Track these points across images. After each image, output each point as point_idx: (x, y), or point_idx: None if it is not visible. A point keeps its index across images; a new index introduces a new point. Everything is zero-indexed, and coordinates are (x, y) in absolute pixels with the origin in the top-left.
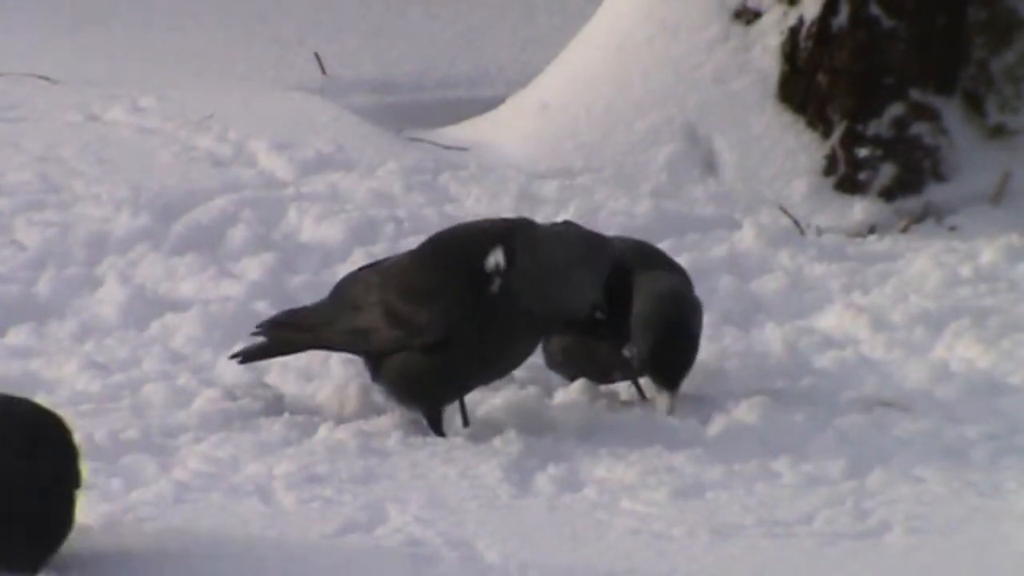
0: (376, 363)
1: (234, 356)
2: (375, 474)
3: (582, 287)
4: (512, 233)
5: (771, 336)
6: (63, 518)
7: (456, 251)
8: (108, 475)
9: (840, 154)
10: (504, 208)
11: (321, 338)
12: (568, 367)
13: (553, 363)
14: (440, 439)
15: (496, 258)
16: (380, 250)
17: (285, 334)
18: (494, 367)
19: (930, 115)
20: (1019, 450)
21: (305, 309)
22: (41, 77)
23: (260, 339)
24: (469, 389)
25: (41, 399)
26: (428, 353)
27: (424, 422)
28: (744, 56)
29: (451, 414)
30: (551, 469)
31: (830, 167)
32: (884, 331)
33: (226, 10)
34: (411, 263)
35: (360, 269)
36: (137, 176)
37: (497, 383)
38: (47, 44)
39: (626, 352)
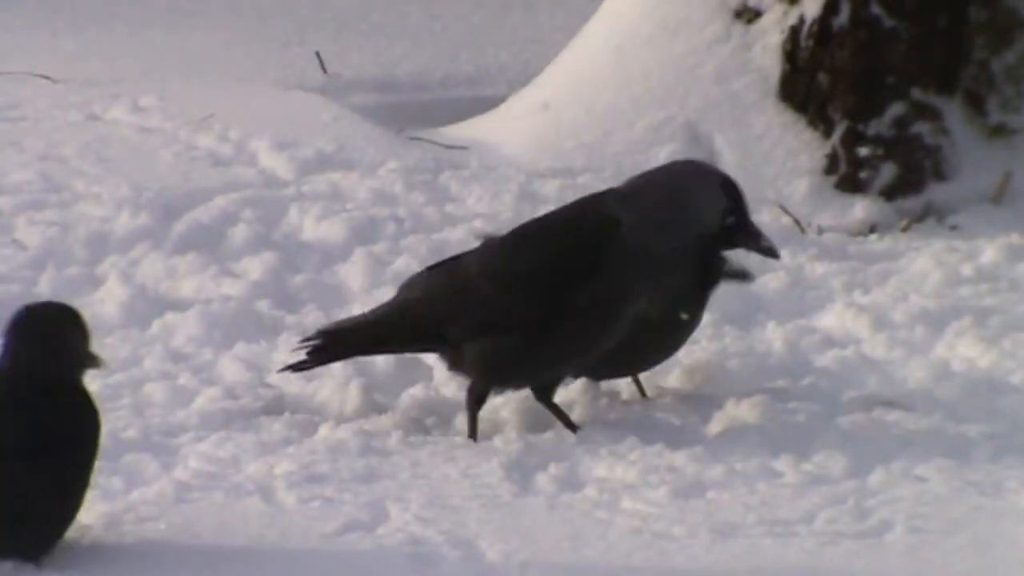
0: (458, 351)
1: (286, 368)
2: (376, 473)
3: (704, 201)
4: (604, 199)
5: (772, 335)
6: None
7: (551, 234)
8: (109, 474)
9: (841, 153)
10: (505, 207)
11: (388, 336)
12: None
13: None
14: (439, 439)
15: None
16: (381, 249)
17: (343, 339)
18: (592, 346)
19: (931, 115)
20: (1020, 449)
21: (362, 315)
22: (42, 76)
23: (302, 352)
24: (567, 371)
25: None
26: (524, 335)
27: (468, 404)
28: (745, 55)
29: (450, 412)
30: (552, 468)
31: (831, 166)
32: (885, 330)
33: (227, 10)
34: (502, 249)
35: (428, 268)
36: (138, 175)
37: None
38: (48, 44)
39: (764, 244)
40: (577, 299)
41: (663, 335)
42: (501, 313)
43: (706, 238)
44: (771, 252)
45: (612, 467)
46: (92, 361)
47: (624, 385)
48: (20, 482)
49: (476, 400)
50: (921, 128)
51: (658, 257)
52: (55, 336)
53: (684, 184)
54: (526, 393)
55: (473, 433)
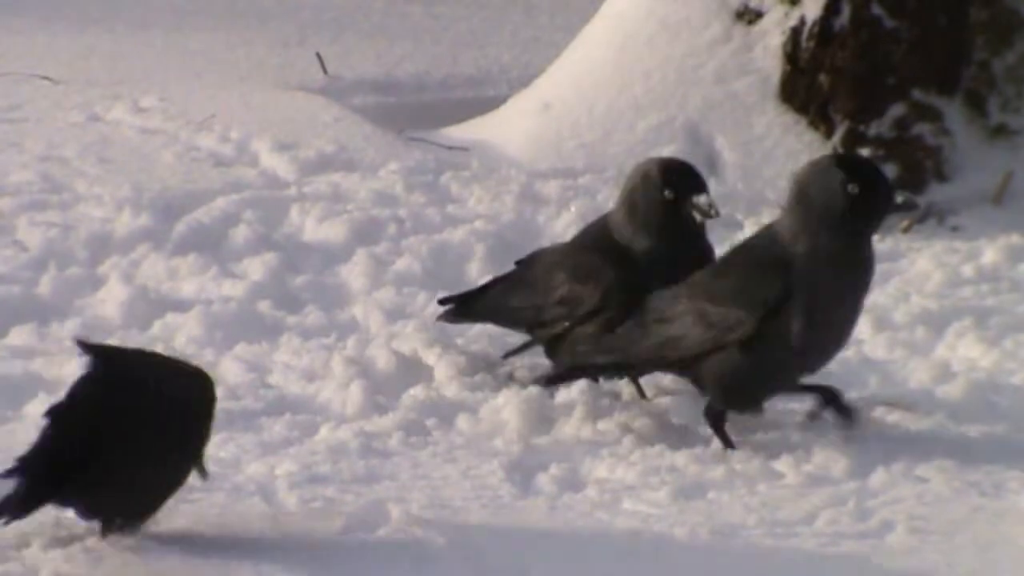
0: (693, 371)
1: (536, 382)
2: (377, 474)
3: (821, 183)
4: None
5: None
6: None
7: (753, 252)
8: None
9: None
10: (506, 208)
11: (628, 356)
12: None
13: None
14: (440, 440)
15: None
16: (382, 250)
17: (590, 358)
18: (817, 351)
19: (932, 115)
20: (1021, 450)
21: (609, 335)
22: (43, 78)
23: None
24: (792, 380)
25: (42, 399)
26: (744, 350)
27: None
28: (746, 56)
29: (451, 413)
30: (552, 469)
31: None
32: (886, 331)
33: (228, 10)
34: (719, 267)
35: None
36: (139, 176)
37: (496, 383)
38: (49, 45)
39: (899, 198)
40: (778, 316)
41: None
42: (721, 328)
43: (839, 217)
44: (910, 203)
45: (613, 468)
46: None
47: (625, 386)
48: (129, 452)
49: (716, 418)
50: (922, 129)
51: (825, 258)
52: None
53: (803, 179)
54: (526, 394)
55: (729, 443)
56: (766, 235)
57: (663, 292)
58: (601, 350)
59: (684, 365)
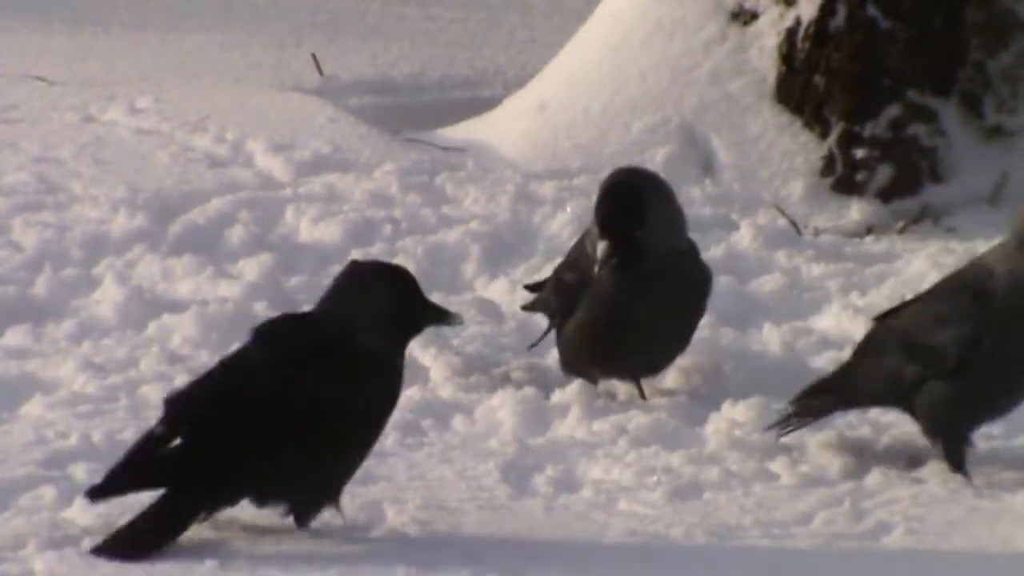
0: (911, 403)
1: (771, 427)
2: (373, 475)
3: None
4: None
5: (768, 336)
6: None
7: (959, 281)
8: None
9: (837, 155)
10: (501, 209)
11: (851, 395)
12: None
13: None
14: (436, 441)
15: None
16: (377, 251)
17: (816, 402)
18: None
19: (927, 116)
20: (1017, 451)
21: (830, 375)
22: (38, 78)
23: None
24: (1000, 411)
25: (38, 400)
26: (948, 380)
27: (946, 456)
28: (741, 57)
29: (446, 414)
30: (548, 470)
31: (827, 168)
32: None
33: (223, 11)
34: (923, 298)
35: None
36: (134, 177)
37: (492, 383)
38: (45, 45)
39: None
40: (982, 345)
41: None
42: (926, 359)
43: None
44: None
45: (608, 469)
46: (432, 317)
47: (621, 386)
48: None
49: (956, 459)
50: (917, 129)
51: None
52: (355, 295)
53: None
54: (521, 395)
55: (962, 468)
56: (973, 266)
57: (874, 328)
58: (824, 390)
59: (904, 398)
